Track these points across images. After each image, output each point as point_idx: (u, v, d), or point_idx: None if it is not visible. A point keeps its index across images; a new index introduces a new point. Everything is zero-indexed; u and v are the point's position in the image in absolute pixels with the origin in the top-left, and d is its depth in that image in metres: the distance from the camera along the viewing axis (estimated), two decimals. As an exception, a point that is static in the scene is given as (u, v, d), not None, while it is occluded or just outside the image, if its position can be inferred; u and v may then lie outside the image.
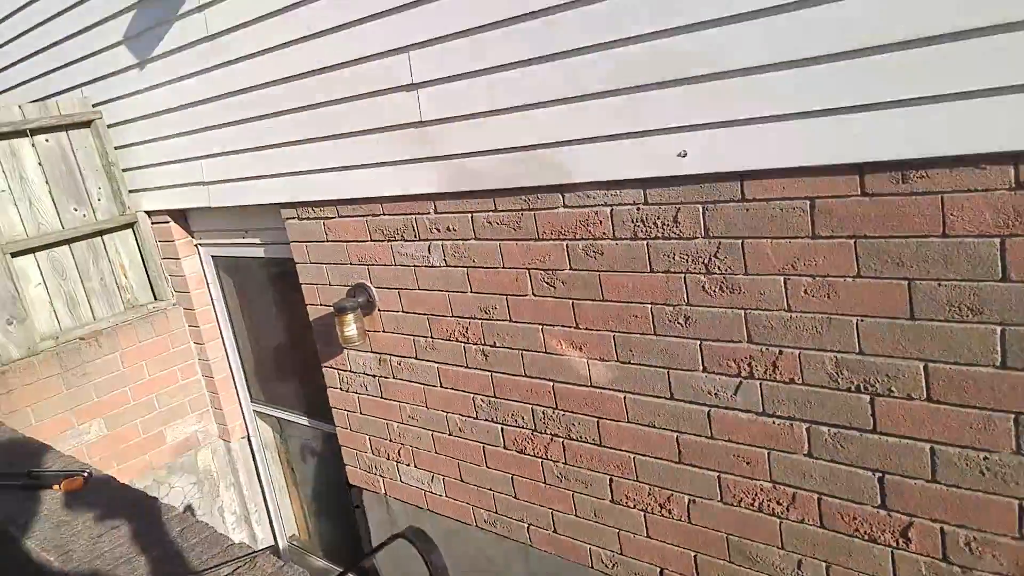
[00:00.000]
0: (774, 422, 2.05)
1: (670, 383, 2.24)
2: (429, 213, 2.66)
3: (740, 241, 1.93)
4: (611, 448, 2.47)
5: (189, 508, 4.27)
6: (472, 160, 2.43)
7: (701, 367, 2.15)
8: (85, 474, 2.29)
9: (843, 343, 1.85)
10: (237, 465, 4.41)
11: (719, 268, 2.00)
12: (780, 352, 1.96)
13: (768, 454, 2.10)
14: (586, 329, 2.38)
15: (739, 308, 2.01)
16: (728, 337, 2.06)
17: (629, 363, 2.31)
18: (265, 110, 3.05)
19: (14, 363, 3.59)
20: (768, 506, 2.14)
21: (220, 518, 4.42)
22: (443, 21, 2.33)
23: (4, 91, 4.52)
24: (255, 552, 1.82)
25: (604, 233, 2.21)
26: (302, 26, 2.74)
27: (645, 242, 2.14)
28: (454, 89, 2.38)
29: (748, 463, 2.15)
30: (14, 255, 3.64)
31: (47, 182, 3.76)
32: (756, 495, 2.16)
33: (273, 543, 4.60)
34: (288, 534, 4.55)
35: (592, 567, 2.69)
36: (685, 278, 2.09)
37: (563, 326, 2.44)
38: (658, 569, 2.49)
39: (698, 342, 2.14)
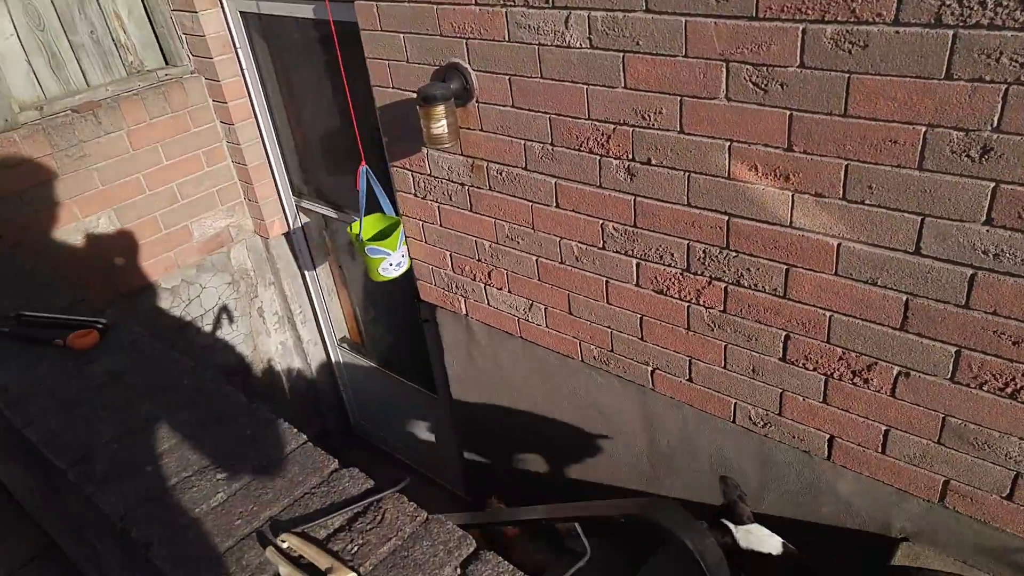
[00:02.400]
0: (1083, 302, 1.50)
1: (920, 233, 1.65)
2: (576, -33, 1.86)
3: None
4: (798, 302, 1.94)
5: (225, 309, 3.84)
6: None
7: (984, 217, 1.54)
8: (99, 325, 1.67)
9: None
10: (277, 264, 3.90)
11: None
12: None
13: (1050, 337, 1.58)
14: (803, 152, 1.73)
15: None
16: (1056, 184, 1.43)
17: (861, 203, 1.70)
18: None
19: (-10, 139, 2.88)
20: (1032, 398, 1.66)
21: (260, 319, 4.01)
22: None
23: None
24: (379, 495, 1.30)
25: (879, 15, 1.47)
26: None
27: (952, 31, 1.41)
28: None
29: (1017, 344, 1.63)
30: (-26, -2, 2.78)
31: None
32: (1011, 381, 1.67)
33: (321, 344, 4.25)
34: (338, 336, 4.18)
35: (734, 421, 2.30)
36: (1007, 90, 1.40)
37: (765, 145, 1.78)
38: (827, 436, 2.10)
39: (992, 184, 1.50)
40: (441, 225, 2.74)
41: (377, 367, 4.00)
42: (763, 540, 1.71)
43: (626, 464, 2.76)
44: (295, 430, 1.45)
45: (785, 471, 2.28)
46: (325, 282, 4.02)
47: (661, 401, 2.48)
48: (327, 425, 4.50)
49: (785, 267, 1.91)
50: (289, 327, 4.13)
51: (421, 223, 2.82)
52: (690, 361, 2.30)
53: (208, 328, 3.77)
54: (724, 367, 2.23)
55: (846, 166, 1.68)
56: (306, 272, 3.97)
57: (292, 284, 4.00)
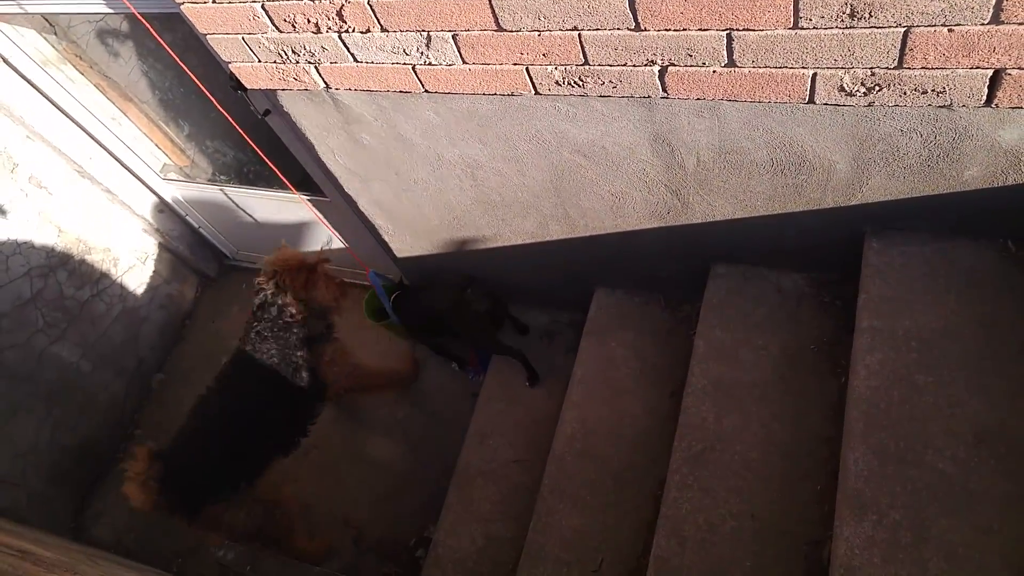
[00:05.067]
0: None
1: None
2: None
3: None
4: None
5: (-19, 202, 2.56)
6: None
7: None
8: None
9: None
10: (12, 105, 2.52)
11: None
12: None
13: None
14: None
15: None
16: None
17: None
18: None
19: None
20: None
21: (42, 190, 2.74)
22: None
23: None
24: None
25: None
26: None
27: None
28: None
29: None
30: None
31: None
32: None
33: (143, 186, 3.03)
34: (158, 167, 2.94)
35: (811, 101, 1.46)
36: None
37: None
38: (989, 72, 1.29)
39: None
40: (214, -42, 1.50)
41: (227, 187, 2.88)
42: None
43: (637, 203, 1.96)
44: None
45: (902, 142, 1.51)
46: (102, 107, 2.68)
47: (681, 110, 1.58)
48: (205, 272, 3.49)
49: None
50: (88, 183, 2.87)
51: (178, -33, 1.56)
52: (728, 36, 1.36)
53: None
54: (794, 27, 1.30)
55: None
56: (62, 103, 2.60)
57: (58, 126, 2.66)
